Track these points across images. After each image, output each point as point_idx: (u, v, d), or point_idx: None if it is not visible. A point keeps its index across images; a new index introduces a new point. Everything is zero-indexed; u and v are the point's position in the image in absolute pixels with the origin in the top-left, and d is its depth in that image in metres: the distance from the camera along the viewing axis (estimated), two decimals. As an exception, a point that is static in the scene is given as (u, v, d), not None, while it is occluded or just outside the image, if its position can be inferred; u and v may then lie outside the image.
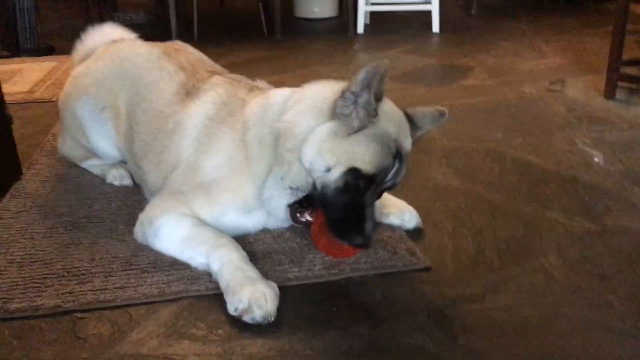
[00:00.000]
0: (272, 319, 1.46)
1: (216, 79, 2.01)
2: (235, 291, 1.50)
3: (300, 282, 1.66)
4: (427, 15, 5.38)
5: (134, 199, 2.13)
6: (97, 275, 1.68)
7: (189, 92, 1.97)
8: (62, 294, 1.59)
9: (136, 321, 1.50)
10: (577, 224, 1.97)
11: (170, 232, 1.73)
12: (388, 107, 1.68)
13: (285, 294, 1.58)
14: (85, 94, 2.13)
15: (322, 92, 1.73)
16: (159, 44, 2.27)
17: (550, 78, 3.75)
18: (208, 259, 1.64)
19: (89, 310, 1.54)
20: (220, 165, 1.79)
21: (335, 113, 1.63)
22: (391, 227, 1.92)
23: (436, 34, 5.29)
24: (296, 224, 1.74)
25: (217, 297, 1.57)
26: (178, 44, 2.29)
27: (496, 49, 4.61)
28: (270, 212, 1.78)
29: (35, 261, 1.74)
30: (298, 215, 1.71)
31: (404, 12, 5.74)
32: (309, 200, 1.68)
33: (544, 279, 1.67)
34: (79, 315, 1.52)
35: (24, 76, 4.00)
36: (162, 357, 1.38)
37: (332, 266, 1.71)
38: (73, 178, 2.32)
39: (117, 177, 2.23)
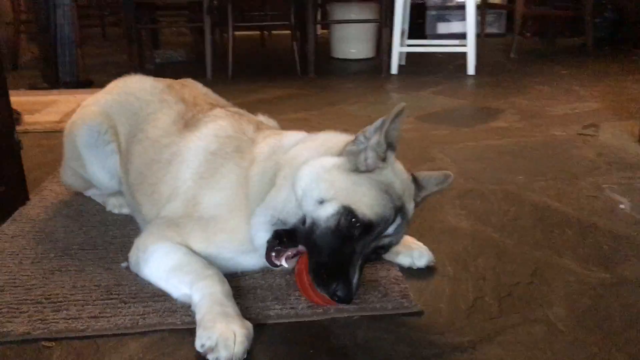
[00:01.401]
0: None
1: (217, 111, 1.99)
2: (207, 326, 1.42)
3: (280, 320, 1.57)
4: (464, 58, 5.31)
5: (130, 227, 2.10)
6: (74, 303, 1.63)
7: (187, 123, 1.95)
8: (34, 320, 1.54)
9: (102, 353, 1.44)
10: (590, 273, 1.82)
11: (161, 259, 1.67)
12: (398, 165, 1.62)
13: (263, 332, 1.50)
14: (90, 122, 2.11)
15: (336, 137, 1.70)
16: (166, 79, 2.28)
17: (584, 122, 3.60)
18: (191, 289, 1.56)
19: (57, 339, 1.48)
20: (221, 204, 1.72)
21: (344, 151, 1.57)
22: (397, 267, 1.82)
23: (471, 76, 5.21)
24: (270, 266, 1.60)
25: (191, 332, 1.49)
26: (187, 81, 2.28)
27: (531, 92, 4.49)
28: (255, 250, 1.68)
29: (18, 286, 1.71)
30: (273, 254, 1.57)
31: (439, 54, 5.70)
32: (291, 236, 1.57)
33: (546, 330, 1.53)
34: (46, 343, 1.47)
35: (57, 107, 4.10)
36: (119, 392, 1.31)
37: (317, 305, 1.61)
38: (77, 205, 2.31)
39: (117, 205, 2.21)
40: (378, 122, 1.53)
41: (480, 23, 7.19)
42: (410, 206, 1.60)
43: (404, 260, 1.84)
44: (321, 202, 1.51)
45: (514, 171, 2.77)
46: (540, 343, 1.48)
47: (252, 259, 1.70)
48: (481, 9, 7.24)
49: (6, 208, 2.19)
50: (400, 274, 1.79)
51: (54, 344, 1.47)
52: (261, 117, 2.00)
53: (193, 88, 2.20)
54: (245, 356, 1.40)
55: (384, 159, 1.54)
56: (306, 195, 1.53)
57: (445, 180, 1.70)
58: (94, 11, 8.50)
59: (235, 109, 2.04)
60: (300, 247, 1.57)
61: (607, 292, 1.71)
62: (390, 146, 1.55)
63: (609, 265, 1.87)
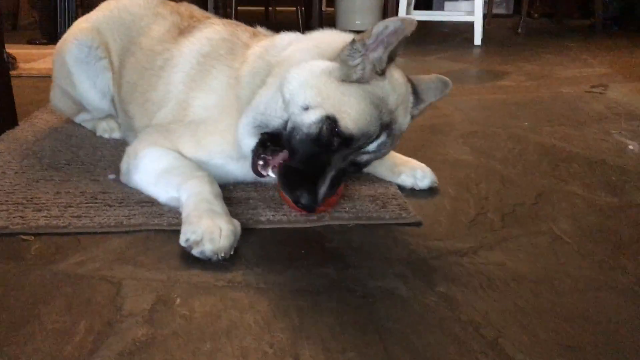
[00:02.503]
0: (222, 256, 1.29)
1: (214, 19, 1.92)
2: (193, 221, 1.35)
3: (272, 225, 1.49)
4: (469, 31, 5.23)
5: (120, 149, 2.01)
6: (56, 205, 1.55)
7: (182, 31, 1.87)
8: (14, 217, 1.47)
9: (84, 247, 1.37)
10: (598, 197, 1.74)
11: (150, 164, 1.60)
12: (397, 75, 1.49)
13: (252, 234, 1.43)
14: (81, 37, 2.02)
15: (331, 37, 1.58)
16: None
17: (592, 82, 3.51)
18: (179, 191, 1.49)
19: (37, 235, 1.41)
20: (211, 106, 1.65)
21: (338, 58, 1.45)
22: (401, 187, 1.76)
23: (478, 46, 5.12)
24: (257, 175, 1.52)
25: (178, 233, 1.41)
26: (184, 2, 2.19)
27: (538, 59, 4.41)
28: (245, 157, 1.57)
29: (-1, 191, 1.64)
30: (260, 163, 1.48)
31: (445, 27, 5.62)
32: (276, 141, 1.47)
33: (550, 242, 1.46)
34: (25, 237, 1.40)
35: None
36: (97, 277, 1.24)
37: (310, 214, 1.53)
38: (66, 130, 2.23)
39: (107, 130, 2.14)
40: (379, 29, 1.37)
41: (488, 3, 7.08)
42: (403, 120, 1.49)
43: (407, 180, 1.76)
44: (306, 108, 1.41)
45: (520, 118, 2.69)
46: (544, 251, 1.41)
47: (243, 167, 1.61)
48: (489, -13, 7.13)
49: (-6, 129, 2.12)
50: (399, 191, 1.71)
51: (32, 237, 1.39)
52: (260, 29, 1.91)
53: (189, 6, 2.11)
54: (231, 252, 1.32)
55: (380, 74, 1.43)
56: (292, 102, 1.43)
57: (444, 88, 1.59)
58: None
59: (233, 21, 1.96)
60: (286, 156, 1.47)
61: (615, 213, 1.63)
62: (391, 60, 1.45)
63: (618, 192, 1.79)
